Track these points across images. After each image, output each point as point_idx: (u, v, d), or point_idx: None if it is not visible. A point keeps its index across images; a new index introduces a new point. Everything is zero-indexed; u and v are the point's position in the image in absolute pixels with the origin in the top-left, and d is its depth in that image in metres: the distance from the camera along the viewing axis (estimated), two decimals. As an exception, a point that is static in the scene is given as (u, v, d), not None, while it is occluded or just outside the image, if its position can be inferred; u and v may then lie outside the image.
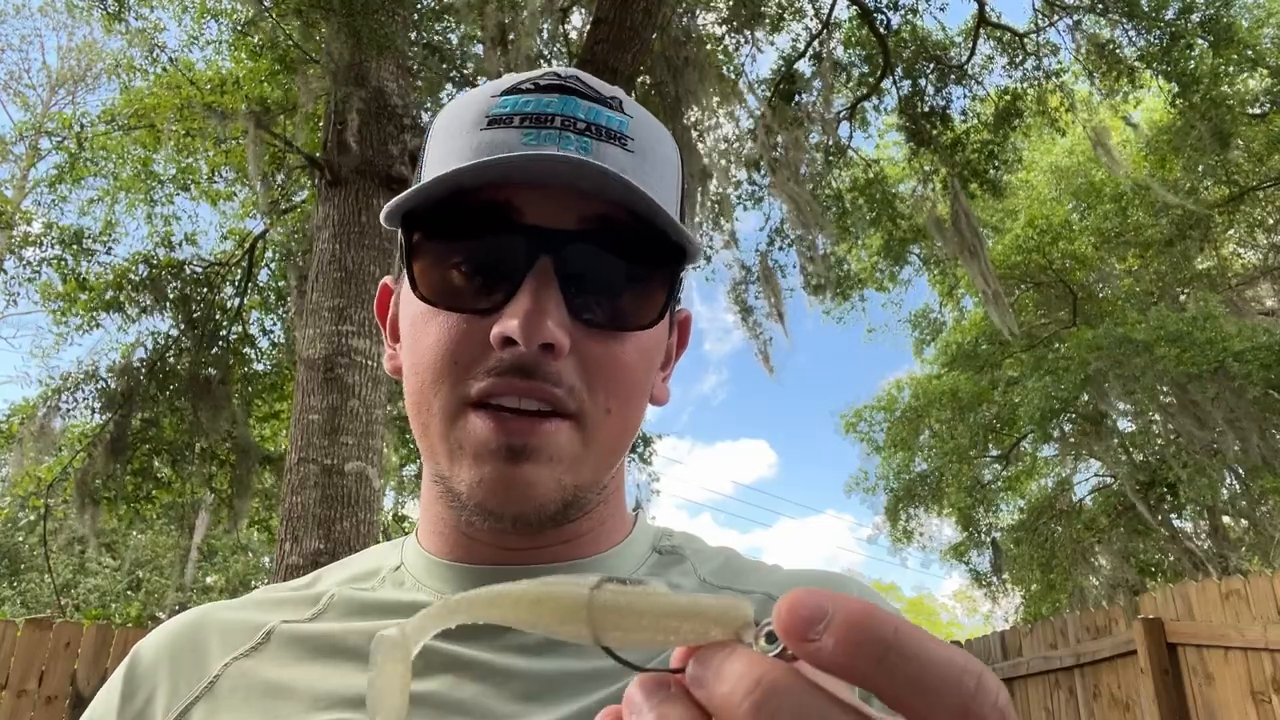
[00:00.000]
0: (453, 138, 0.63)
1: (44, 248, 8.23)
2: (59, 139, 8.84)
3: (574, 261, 0.58)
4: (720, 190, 9.01)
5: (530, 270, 0.57)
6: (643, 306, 0.62)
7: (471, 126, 0.62)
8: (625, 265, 0.61)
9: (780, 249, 9.36)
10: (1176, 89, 8.90)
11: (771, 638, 0.28)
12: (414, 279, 0.60)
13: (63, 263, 8.14)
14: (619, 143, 0.62)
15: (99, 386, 7.39)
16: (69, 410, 7.45)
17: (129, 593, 18.27)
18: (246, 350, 8.75)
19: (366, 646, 0.60)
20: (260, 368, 8.93)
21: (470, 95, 0.66)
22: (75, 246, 8.12)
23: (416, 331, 0.61)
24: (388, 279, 0.74)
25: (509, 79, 0.65)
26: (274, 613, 0.65)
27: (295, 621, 0.64)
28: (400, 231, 0.63)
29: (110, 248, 8.38)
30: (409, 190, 0.59)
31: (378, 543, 0.76)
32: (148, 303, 7.96)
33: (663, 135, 0.67)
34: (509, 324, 0.56)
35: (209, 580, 20.20)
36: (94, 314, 8.25)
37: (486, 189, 0.58)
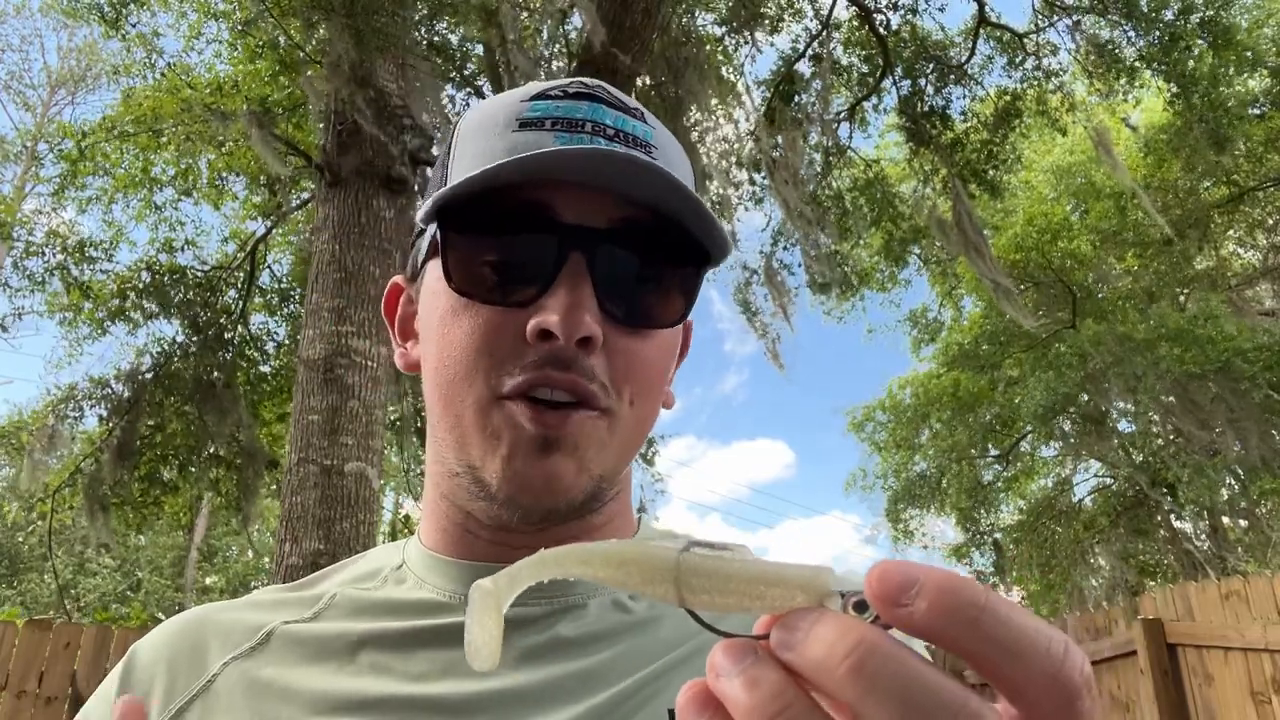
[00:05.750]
0: (484, 139, 0.63)
1: (46, 256, 8.21)
2: (58, 145, 8.81)
3: (605, 260, 0.59)
4: (721, 191, 9.01)
5: (564, 266, 0.58)
6: (667, 305, 0.64)
7: (503, 129, 0.63)
8: (652, 265, 0.63)
9: (784, 248, 9.38)
10: (1175, 90, 8.88)
11: (860, 607, 0.28)
12: (448, 272, 0.61)
13: (66, 271, 8.11)
14: (645, 150, 0.64)
15: (105, 393, 7.37)
16: (77, 419, 7.44)
17: (129, 593, 18.27)
18: (252, 353, 8.72)
19: (367, 647, 0.60)
20: (265, 369, 8.89)
21: (497, 100, 0.67)
22: (78, 254, 8.10)
23: (446, 325, 0.62)
24: (399, 278, 0.74)
25: (536, 86, 0.66)
26: (274, 613, 0.65)
27: (296, 622, 0.63)
28: (435, 227, 0.63)
29: (111, 254, 8.36)
30: (448, 186, 0.60)
31: (377, 543, 0.76)
32: (153, 309, 7.94)
33: (679, 149, 0.69)
34: (548, 318, 0.57)
35: (209, 581, 20.20)
36: (101, 323, 8.22)
37: (524, 187, 0.59)
